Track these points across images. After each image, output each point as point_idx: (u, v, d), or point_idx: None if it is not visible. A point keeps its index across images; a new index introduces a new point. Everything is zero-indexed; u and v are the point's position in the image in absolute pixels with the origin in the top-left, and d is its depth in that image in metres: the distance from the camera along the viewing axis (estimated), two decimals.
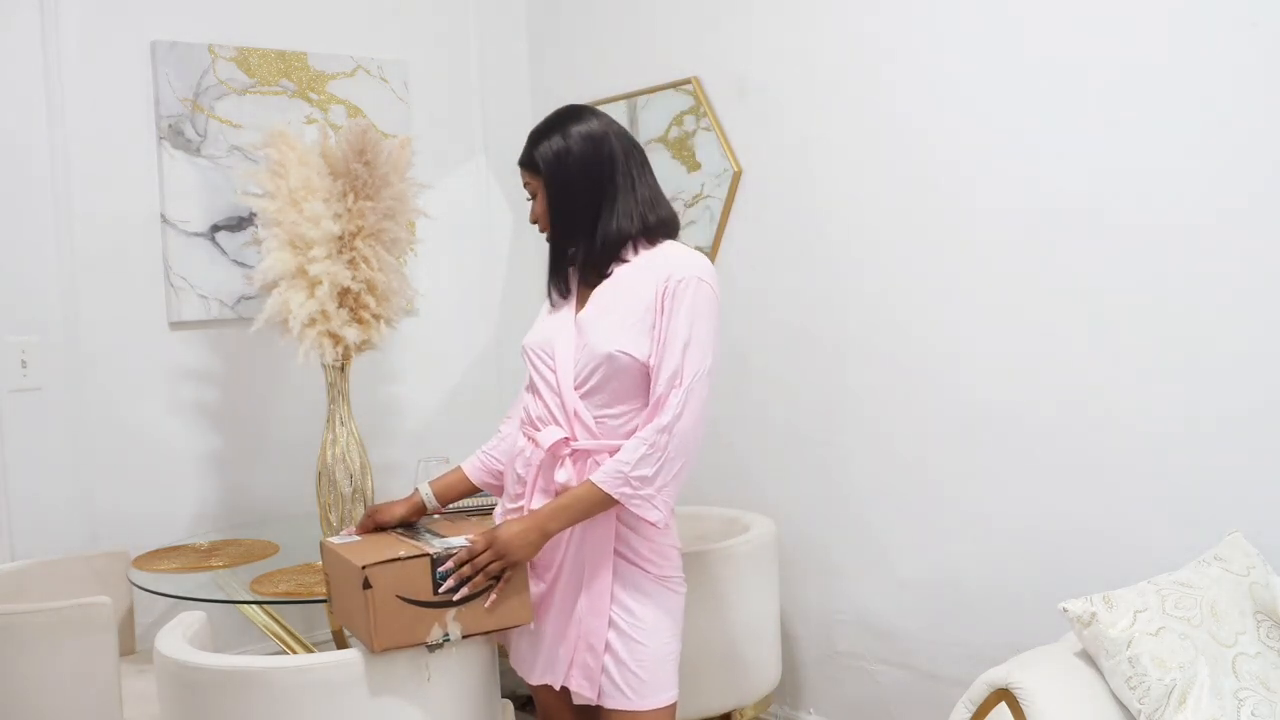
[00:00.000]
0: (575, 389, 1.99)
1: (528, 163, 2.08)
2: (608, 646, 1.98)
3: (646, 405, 1.96)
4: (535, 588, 2.02)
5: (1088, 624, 1.87)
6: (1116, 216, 2.37)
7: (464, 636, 1.92)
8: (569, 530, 1.97)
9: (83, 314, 3.06)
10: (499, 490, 2.22)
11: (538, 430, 2.03)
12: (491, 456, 2.23)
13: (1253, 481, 2.20)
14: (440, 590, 1.89)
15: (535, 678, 2.06)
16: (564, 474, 1.97)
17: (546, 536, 1.94)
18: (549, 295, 2.14)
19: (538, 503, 2.00)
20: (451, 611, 1.90)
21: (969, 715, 1.88)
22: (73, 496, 3.03)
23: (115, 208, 3.11)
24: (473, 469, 2.23)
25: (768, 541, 2.81)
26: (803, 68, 2.96)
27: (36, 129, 2.97)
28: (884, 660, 2.92)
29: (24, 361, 2.96)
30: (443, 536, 2.02)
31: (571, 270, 2.10)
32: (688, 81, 3.26)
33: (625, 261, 2.03)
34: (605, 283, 2.04)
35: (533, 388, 2.08)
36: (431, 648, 1.90)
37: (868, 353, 2.88)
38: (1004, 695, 1.84)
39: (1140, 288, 2.34)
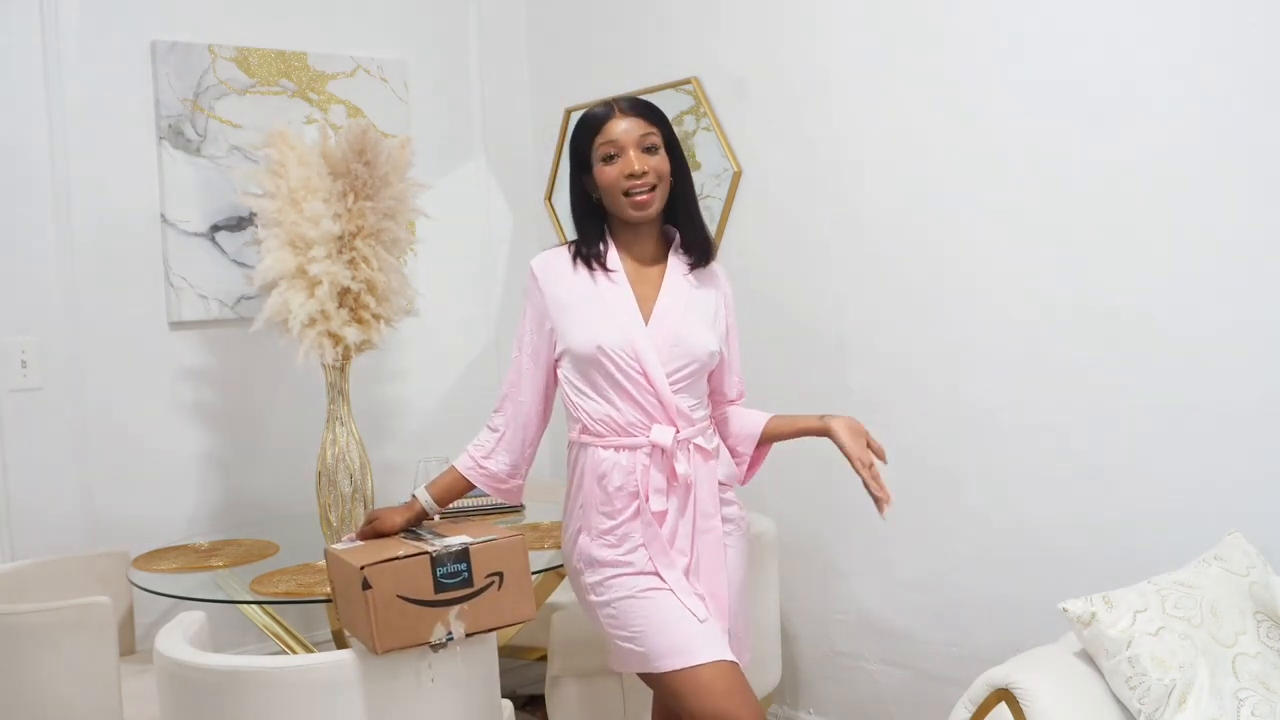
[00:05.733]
0: (671, 386, 2.05)
1: (651, 115, 2.07)
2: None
3: (706, 395, 2.16)
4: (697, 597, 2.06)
5: (1088, 624, 1.87)
6: (1116, 217, 2.37)
7: (468, 634, 1.92)
8: (690, 526, 2.10)
9: (83, 314, 3.05)
10: (497, 490, 2.20)
11: (631, 436, 2.05)
12: (489, 457, 2.18)
13: (1253, 481, 2.20)
14: None
15: (708, 655, 1.98)
16: (683, 465, 2.06)
17: None
18: (578, 260, 2.10)
19: (657, 503, 2.04)
20: (454, 610, 1.90)
21: (969, 715, 1.88)
22: (73, 496, 3.03)
23: (115, 208, 3.10)
24: (468, 470, 2.19)
25: (768, 541, 2.81)
26: (803, 68, 2.96)
27: (36, 129, 2.97)
28: (884, 660, 2.92)
29: (24, 361, 2.96)
30: (443, 536, 2.01)
31: (605, 246, 2.11)
32: (688, 81, 3.25)
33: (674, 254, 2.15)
34: (673, 275, 2.10)
35: (619, 390, 2.06)
36: (435, 647, 1.90)
37: (868, 352, 2.88)
38: (1004, 695, 1.84)
39: (1140, 287, 2.34)
